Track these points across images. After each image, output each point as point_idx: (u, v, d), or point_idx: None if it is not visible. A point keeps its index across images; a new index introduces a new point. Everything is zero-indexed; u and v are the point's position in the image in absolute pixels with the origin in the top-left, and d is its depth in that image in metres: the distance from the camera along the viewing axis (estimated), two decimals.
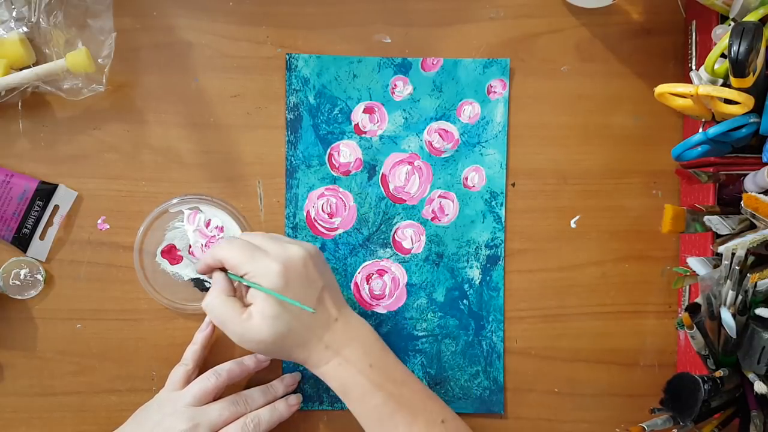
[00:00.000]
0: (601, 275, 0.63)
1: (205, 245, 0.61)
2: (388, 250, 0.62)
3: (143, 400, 0.57)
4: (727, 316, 0.50)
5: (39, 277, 0.60)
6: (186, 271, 0.61)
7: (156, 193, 0.61)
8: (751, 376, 0.51)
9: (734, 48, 0.46)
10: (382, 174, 0.62)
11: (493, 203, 0.62)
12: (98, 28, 0.59)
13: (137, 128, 0.61)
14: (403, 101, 0.62)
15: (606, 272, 0.63)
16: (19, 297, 0.60)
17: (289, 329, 0.51)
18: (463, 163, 0.62)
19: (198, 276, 0.61)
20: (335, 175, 0.62)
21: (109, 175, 0.61)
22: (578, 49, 0.62)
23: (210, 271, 0.54)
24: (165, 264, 0.61)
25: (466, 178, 0.62)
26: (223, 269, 0.54)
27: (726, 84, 0.52)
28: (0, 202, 0.59)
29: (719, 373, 0.51)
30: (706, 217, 0.54)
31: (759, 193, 0.51)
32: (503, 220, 0.62)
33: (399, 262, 0.62)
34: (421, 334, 0.62)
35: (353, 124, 0.62)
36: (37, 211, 0.60)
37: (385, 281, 0.62)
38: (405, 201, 0.62)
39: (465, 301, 0.62)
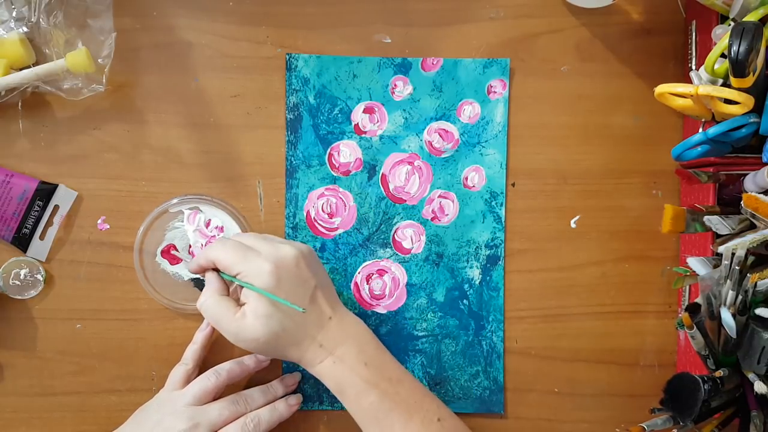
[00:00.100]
0: (601, 275, 0.63)
1: (205, 245, 0.61)
2: (388, 250, 0.62)
3: (143, 400, 0.57)
4: (727, 316, 0.50)
5: (39, 277, 0.60)
6: (186, 271, 0.61)
7: (156, 193, 0.61)
8: (751, 376, 0.51)
9: (734, 48, 0.46)
10: (382, 174, 0.62)
11: (493, 203, 0.62)
12: (98, 28, 0.59)
13: (137, 128, 0.61)
14: (403, 101, 0.62)
15: (606, 272, 0.63)
16: (19, 297, 0.60)
17: (282, 328, 0.51)
18: (463, 163, 0.62)
19: (198, 276, 0.61)
20: (335, 175, 0.62)
21: (109, 175, 0.61)
22: (578, 49, 0.62)
23: (202, 271, 0.55)
24: (165, 264, 0.61)
25: (466, 178, 0.62)
26: (217, 269, 0.54)
27: (726, 84, 0.52)
28: (0, 202, 0.59)
29: (719, 373, 0.51)
30: (706, 217, 0.54)
31: (759, 193, 0.51)
32: (503, 220, 0.62)
33: (399, 262, 0.62)
34: (421, 334, 0.62)
35: (353, 124, 0.62)
36: (37, 211, 0.60)
37: (385, 281, 0.62)
38: (405, 201, 0.62)
39: (465, 301, 0.62)
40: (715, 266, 0.53)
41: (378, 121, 0.62)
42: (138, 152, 0.61)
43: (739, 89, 0.48)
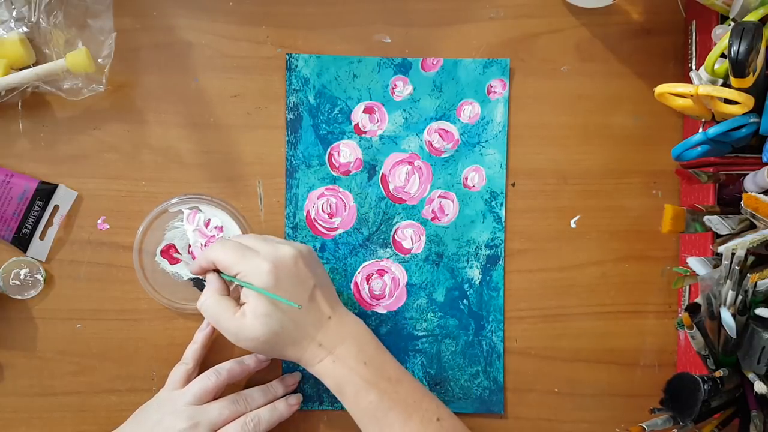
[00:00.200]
0: (601, 275, 0.63)
1: (205, 245, 0.61)
2: (388, 250, 0.62)
3: (143, 400, 0.57)
4: (727, 316, 0.50)
5: (39, 277, 0.60)
6: (185, 270, 0.61)
7: (156, 193, 0.61)
8: (751, 376, 0.51)
9: (734, 48, 0.46)
10: (382, 174, 0.62)
11: (493, 203, 0.62)
12: (98, 28, 0.59)
13: (137, 128, 0.61)
14: (403, 101, 0.62)
15: (606, 272, 0.63)
16: (19, 297, 0.60)
17: (282, 327, 0.52)
18: (463, 163, 0.62)
19: (197, 276, 0.61)
20: (335, 175, 0.62)
21: (109, 175, 0.61)
22: (578, 49, 0.62)
23: (203, 272, 0.55)
24: (165, 264, 0.61)
25: (466, 178, 0.62)
26: (217, 270, 0.55)
27: (726, 84, 0.52)
28: (0, 202, 0.59)
29: (719, 373, 0.51)
30: (706, 217, 0.54)
31: (759, 193, 0.51)
32: (503, 220, 0.62)
33: (399, 262, 0.62)
34: (421, 334, 0.62)
35: (353, 124, 0.62)
36: (37, 211, 0.60)
37: (385, 281, 0.62)
38: (405, 201, 0.62)
39: (465, 301, 0.62)
40: (715, 266, 0.53)
41: (378, 121, 0.62)
42: (138, 152, 0.61)
43: (739, 89, 0.48)
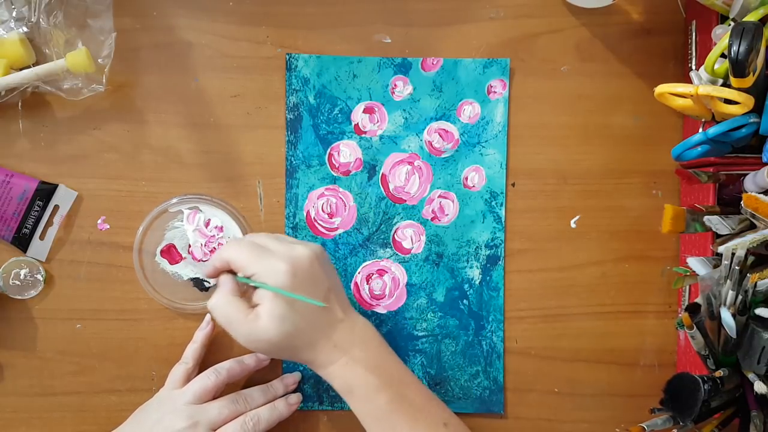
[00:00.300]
0: (601, 275, 0.63)
1: (205, 245, 0.61)
2: (388, 250, 0.62)
3: (143, 400, 0.57)
4: (727, 316, 0.50)
5: (39, 277, 0.60)
6: (185, 270, 0.61)
7: (156, 193, 0.61)
8: (751, 376, 0.51)
9: (734, 48, 0.46)
10: (382, 174, 0.62)
11: (493, 203, 0.62)
12: (98, 28, 0.59)
13: (137, 128, 0.61)
14: (403, 101, 0.62)
15: (606, 272, 0.63)
16: (19, 297, 0.60)
17: (297, 329, 0.50)
18: (463, 163, 0.62)
19: (197, 276, 0.61)
20: (335, 175, 0.62)
21: (109, 175, 0.61)
22: (578, 49, 0.62)
23: (217, 274, 0.53)
24: (164, 264, 0.61)
25: (466, 178, 0.62)
26: (230, 271, 0.53)
27: (726, 84, 0.52)
28: (0, 202, 0.59)
29: (719, 373, 0.51)
30: (706, 217, 0.54)
31: (759, 193, 0.51)
32: (503, 220, 0.62)
33: (399, 262, 0.62)
34: (421, 334, 0.62)
35: (353, 124, 0.62)
36: (37, 211, 0.60)
37: (385, 281, 0.62)
38: (405, 201, 0.62)
39: (465, 301, 0.62)
40: (715, 266, 0.53)
41: (378, 121, 0.62)
42: (138, 152, 0.61)
43: (739, 89, 0.48)
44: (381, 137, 0.62)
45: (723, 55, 0.50)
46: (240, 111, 0.62)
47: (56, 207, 0.60)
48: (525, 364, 0.62)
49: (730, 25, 0.53)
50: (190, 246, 0.61)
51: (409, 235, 0.62)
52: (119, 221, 0.61)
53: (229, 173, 0.62)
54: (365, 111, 0.62)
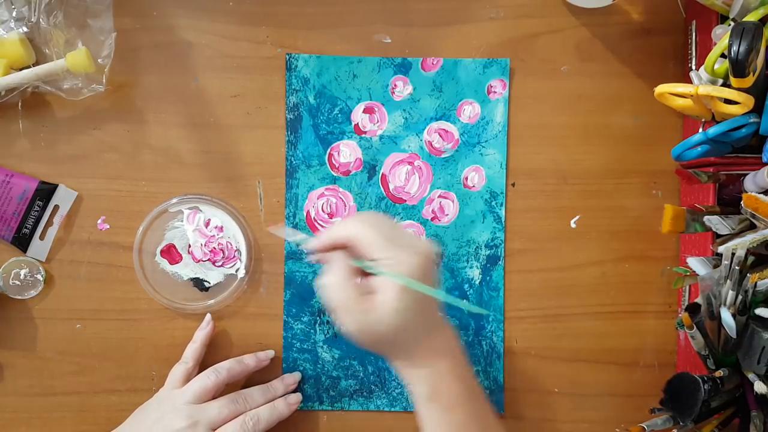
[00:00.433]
0: (601, 275, 0.63)
1: (205, 245, 0.61)
2: None
3: (143, 400, 0.57)
4: (727, 316, 0.50)
5: (39, 277, 0.60)
6: (185, 270, 0.61)
7: (156, 193, 0.61)
8: (751, 376, 0.51)
9: (734, 48, 0.46)
10: (382, 174, 0.62)
11: (493, 203, 0.62)
12: (98, 28, 0.59)
13: (137, 128, 0.61)
14: (403, 101, 0.62)
15: (606, 272, 0.63)
16: (19, 297, 0.60)
17: (408, 326, 0.47)
18: (463, 163, 0.62)
19: (197, 276, 0.61)
20: (335, 175, 0.62)
21: (109, 175, 0.61)
22: (578, 49, 0.62)
23: (330, 249, 0.48)
24: (164, 264, 0.61)
25: (466, 178, 0.62)
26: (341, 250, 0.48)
27: (726, 84, 0.52)
28: (0, 202, 0.59)
29: (719, 373, 0.51)
30: (706, 217, 0.54)
31: (759, 193, 0.51)
32: (503, 220, 0.62)
33: None
34: None
35: (353, 124, 0.62)
36: (37, 211, 0.60)
37: None
38: (405, 201, 0.62)
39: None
40: (715, 266, 0.53)
41: (378, 121, 0.62)
42: (138, 152, 0.61)
43: (739, 89, 0.48)
44: (381, 137, 0.62)
45: (723, 55, 0.50)
46: (240, 111, 0.62)
47: (56, 207, 0.60)
48: (525, 364, 0.62)
49: (730, 25, 0.53)
50: (190, 246, 0.61)
51: None
52: (119, 221, 0.61)
53: (229, 173, 0.62)
54: (365, 111, 0.62)
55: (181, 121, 0.61)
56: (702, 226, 0.55)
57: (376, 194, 0.62)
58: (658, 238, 0.62)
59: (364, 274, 0.48)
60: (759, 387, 0.49)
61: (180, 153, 0.61)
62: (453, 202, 0.62)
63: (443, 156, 0.62)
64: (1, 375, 0.61)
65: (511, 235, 0.62)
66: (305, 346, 0.62)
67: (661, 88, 0.52)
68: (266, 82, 0.62)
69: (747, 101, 0.48)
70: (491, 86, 0.62)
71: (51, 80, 0.58)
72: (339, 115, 0.62)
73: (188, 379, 0.57)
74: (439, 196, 0.62)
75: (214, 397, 0.56)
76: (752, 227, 0.53)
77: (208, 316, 0.60)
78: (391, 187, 0.62)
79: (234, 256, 0.61)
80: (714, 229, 0.54)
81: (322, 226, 0.62)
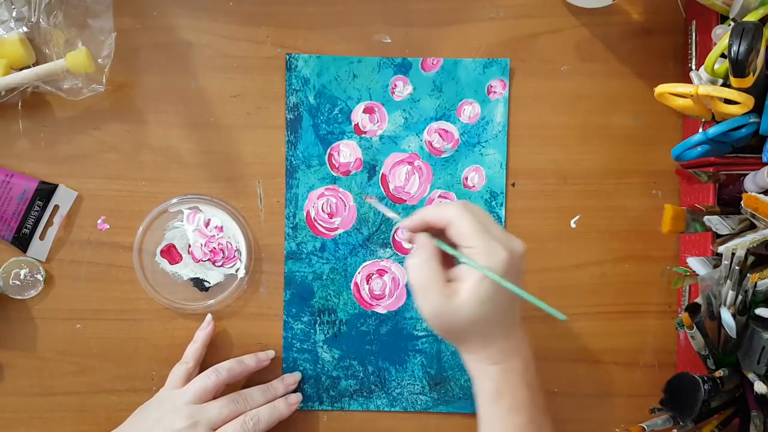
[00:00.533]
0: (601, 275, 0.63)
1: (205, 245, 0.61)
2: (388, 250, 0.62)
3: (143, 400, 0.57)
4: (727, 316, 0.50)
5: (39, 277, 0.60)
6: (185, 270, 0.61)
7: (156, 193, 0.61)
8: (751, 376, 0.51)
9: (734, 48, 0.46)
10: (382, 174, 0.62)
11: (493, 203, 0.62)
12: (98, 28, 0.59)
13: (137, 128, 0.61)
14: (403, 101, 0.62)
15: (606, 272, 0.63)
16: (19, 297, 0.60)
17: (487, 319, 0.47)
18: (463, 163, 0.62)
19: (197, 276, 0.61)
20: (335, 175, 0.62)
21: (109, 175, 0.61)
22: (578, 49, 0.62)
23: (424, 228, 0.49)
24: (164, 264, 0.61)
25: (466, 178, 0.62)
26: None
27: (726, 84, 0.52)
28: (0, 202, 0.59)
29: (719, 373, 0.51)
30: (706, 217, 0.54)
31: (759, 193, 0.51)
32: (503, 220, 0.62)
33: (399, 262, 0.62)
34: (421, 334, 0.62)
35: (353, 124, 0.62)
36: (37, 211, 0.60)
37: (385, 281, 0.62)
38: (405, 201, 0.62)
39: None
40: (715, 266, 0.53)
41: (378, 121, 0.62)
42: (138, 152, 0.61)
43: (739, 89, 0.48)
44: (381, 137, 0.62)
45: (723, 55, 0.50)
46: (240, 111, 0.62)
47: (56, 207, 0.60)
48: None
49: (730, 25, 0.53)
50: (190, 246, 0.61)
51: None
52: (119, 221, 0.61)
53: (229, 173, 0.62)
54: (365, 111, 0.62)
55: (181, 121, 0.61)
56: (702, 226, 0.55)
57: (376, 194, 0.62)
58: (658, 238, 0.62)
59: (449, 263, 0.48)
60: (759, 387, 0.49)
61: (180, 153, 0.61)
62: None
63: (443, 156, 0.62)
64: (1, 375, 0.61)
65: None
66: (305, 346, 0.62)
67: (661, 88, 0.52)
68: (266, 82, 0.62)
69: (747, 101, 0.48)
70: (491, 86, 0.62)
71: (51, 80, 0.58)
72: (339, 115, 0.62)
73: (189, 379, 0.57)
74: (439, 196, 0.62)
75: (214, 397, 0.57)
76: (752, 227, 0.53)
77: (209, 317, 0.60)
78: (391, 187, 0.62)
79: (234, 256, 0.61)
80: (714, 229, 0.54)
81: (322, 226, 0.62)
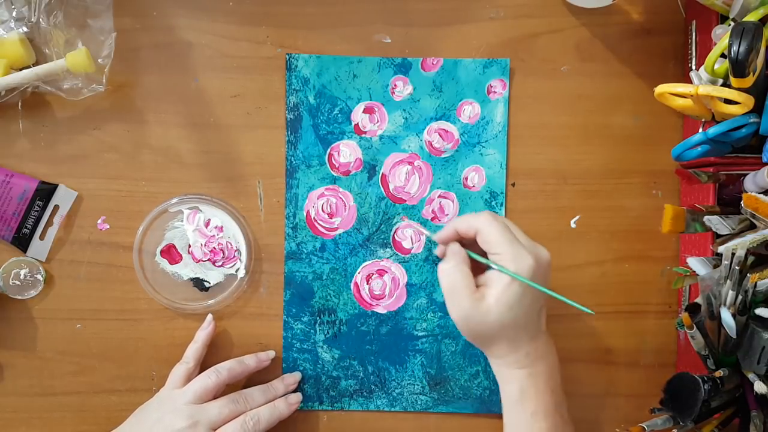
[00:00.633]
0: (601, 275, 0.63)
1: (204, 245, 0.61)
2: (388, 250, 0.62)
3: (143, 400, 0.57)
4: (727, 316, 0.50)
5: (39, 277, 0.60)
6: (185, 270, 0.61)
7: (156, 193, 0.61)
8: (751, 376, 0.51)
9: (734, 48, 0.46)
10: (382, 174, 0.62)
11: (493, 203, 0.62)
12: (98, 28, 0.59)
13: (137, 128, 0.61)
14: (403, 101, 0.62)
15: (606, 272, 0.63)
16: (19, 297, 0.60)
17: (514, 323, 0.50)
18: (463, 163, 0.62)
19: (197, 276, 0.61)
20: (335, 175, 0.62)
21: (109, 175, 0.61)
22: (578, 49, 0.62)
23: (455, 238, 0.53)
24: (164, 264, 0.61)
25: (466, 178, 0.62)
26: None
27: (726, 84, 0.52)
28: (0, 202, 0.59)
29: (719, 373, 0.51)
30: (706, 217, 0.54)
31: (759, 193, 0.51)
32: None
33: (399, 262, 0.62)
34: (421, 334, 0.62)
35: (353, 124, 0.62)
36: (37, 211, 0.60)
37: (385, 281, 0.62)
38: (405, 201, 0.62)
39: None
40: (715, 266, 0.53)
41: (378, 121, 0.62)
42: (138, 152, 0.61)
43: (739, 89, 0.48)
44: (381, 137, 0.62)
45: (723, 55, 0.50)
46: (240, 111, 0.62)
47: (56, 207, 0.60)
48: None
49: (730, 25, 0.53)
50: (190, 246, 0.61)
51: (409, 235, 0.62)
52: (119, 221, 0.61)
53: (229, 173, 0.62)
54: (365, 111, 0.62)
55: (181, 121, 0.61)
56: (702, 226, 0.55)
57: (376, 194, 0.62)
58: (658, 238, 0.62)
59: (480, 271, 0.51)
60: (759, 387, 0.49)
61: (180, 153, 0.61)
62: (453, 202, 0.62)
63: (443, 156, 0.62)
64: (1, 375, 0.61)
65: None
66: (305, 346, 0.62)
67: (661, 88, 0.52)
68: (266, 82, 0.62)
69: (747, 101, 0.48)
70: (491, 86, 0.62)
71: (51, 80, 0.58)
72: (339, 115, 0.62)
73: (189, 379, 0.57)
74: (439, 196, 0.62)
75: (214, 397, 0.57)
76: (752, 227, 0.53)
77: (210, 317, 0.60)
78: (391, 187, 0.62)
79: (234, 256, 0.61)
80: (714, 229, 0.54)
81: (322, 226, 0.62)
